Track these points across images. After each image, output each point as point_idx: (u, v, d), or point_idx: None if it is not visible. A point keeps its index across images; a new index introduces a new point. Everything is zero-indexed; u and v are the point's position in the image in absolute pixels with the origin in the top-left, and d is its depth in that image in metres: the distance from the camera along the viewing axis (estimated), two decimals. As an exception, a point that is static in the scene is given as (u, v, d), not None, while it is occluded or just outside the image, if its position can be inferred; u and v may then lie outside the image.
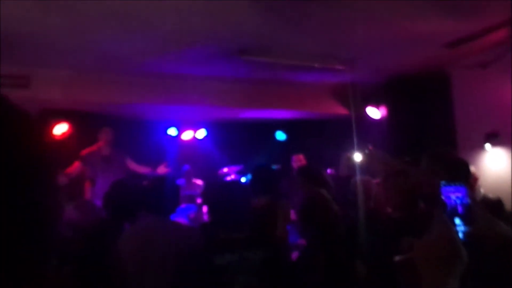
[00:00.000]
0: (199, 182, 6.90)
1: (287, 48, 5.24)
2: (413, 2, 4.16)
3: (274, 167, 6.65)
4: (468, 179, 2.80)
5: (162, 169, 5.64)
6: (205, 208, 6.40)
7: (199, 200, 6.47)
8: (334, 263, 2.52)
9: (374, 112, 6.63)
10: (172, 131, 7.68)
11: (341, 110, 7.07)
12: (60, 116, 6.04)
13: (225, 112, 7.23)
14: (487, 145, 5.51)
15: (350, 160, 4.26)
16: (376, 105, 6.60)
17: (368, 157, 2.97)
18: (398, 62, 5.84)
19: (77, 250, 2.86)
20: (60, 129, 5.99)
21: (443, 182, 1.35)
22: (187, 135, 7.84)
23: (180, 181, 6.32)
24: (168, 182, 2.80)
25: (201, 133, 7.89)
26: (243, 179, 7.04)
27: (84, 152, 5.67)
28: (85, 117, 6.22)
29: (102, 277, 2.53)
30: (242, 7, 3.97)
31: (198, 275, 2.33)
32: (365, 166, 4.12)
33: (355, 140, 5.97)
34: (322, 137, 6.93)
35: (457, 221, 1.35)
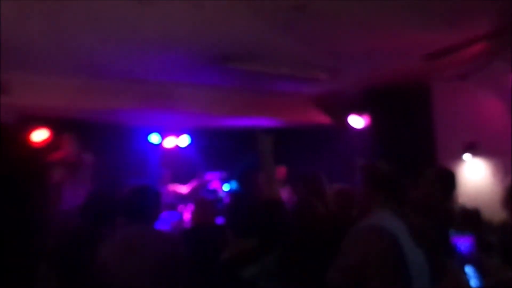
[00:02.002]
0: (174, 187, 6.83)
1: (271, 57, 5.27)
2: (394, 15, 4.23)
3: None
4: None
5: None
6: (187, 215, 6.39)
7: (180, 208, 6.44)
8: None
9: (357, 121, 6.70)
10: (154, 138, 7.63)
11: (324, 119, 7.13)
12: (41, 123, 5.94)
13: (208, 120, 7.23)
14: (466, 155, 5.62)
15: None
16: (359, 114, 6.67)
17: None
18: (379, 73, 5.93)
19: (58, 256, 2.82)
20: (40, 135, 5.89)
21: (451, 231, 1.42)
22: (169, 142, 7.80)
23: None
24: (149, 190, 2.80)
25: (184, 140, 7.86)
26: (226, 186, 7.04)
27: (51, 158, 5.53)
28: (66, 124, 6.14)
29: (85, 285, 2.51)
30: (227, 13, 3.99)
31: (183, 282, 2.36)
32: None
33: (338, 148, 6.03)
34: (305, 146, 6.97)
35: (468, 269, 1.37)
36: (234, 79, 6.04)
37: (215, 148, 7.49)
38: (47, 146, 5.82)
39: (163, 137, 7.72)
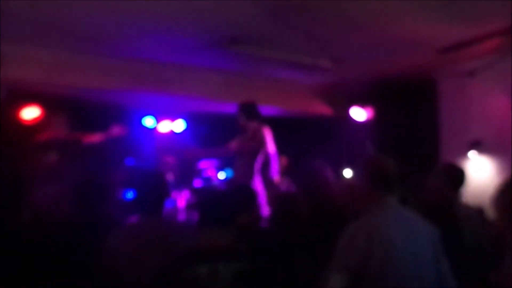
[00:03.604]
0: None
1: (275, 42, 5.08)
2: (408, 6, 4.06)
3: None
4: None
5: (117, 130, 5.36)
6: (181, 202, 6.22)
7: (174, 194, 6.26)
8: None
9: (359, 113, 6.54)
10: (148, 121, 7.41)
11: (326, 110, 6.97)
12: (31, 100, 5.68)
13: (205, 104, 7.01)
14: (471, 153, 5.49)
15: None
16: (362, 106, 6.52)
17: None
18: (387, 64, 5.77)
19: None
20: (31, 113, 5.63)
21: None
22: (164, 127, 7.59)
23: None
24: (157, 178, 2.63)
25: (179, 125, 7.65)
26: (221, 174, 6.85)
27: (42, 137, 5.20)
28: (58, 102, 5.88)
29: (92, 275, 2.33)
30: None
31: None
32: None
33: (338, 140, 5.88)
34: (305, 136, 6.81)
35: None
36: (236, 64, 5.84)
37: (211, 134, 7.28)
38: (38, 125, 5.57)
39: (158, 120, 7.51)
